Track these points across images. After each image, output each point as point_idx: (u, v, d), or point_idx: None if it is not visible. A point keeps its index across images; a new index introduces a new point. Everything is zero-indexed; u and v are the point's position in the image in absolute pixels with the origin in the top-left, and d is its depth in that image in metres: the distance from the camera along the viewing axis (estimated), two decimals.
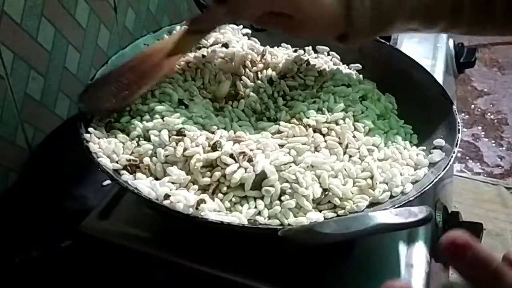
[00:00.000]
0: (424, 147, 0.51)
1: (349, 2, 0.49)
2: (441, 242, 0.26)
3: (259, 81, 0.57)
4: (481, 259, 0.26)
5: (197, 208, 0.42)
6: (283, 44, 0.65)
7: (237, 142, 0.47)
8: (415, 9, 0.50)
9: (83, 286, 0.52)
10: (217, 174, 0.45)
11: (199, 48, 0.61)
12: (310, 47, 0.64)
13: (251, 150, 0.46)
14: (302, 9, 0.49)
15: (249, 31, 0.66)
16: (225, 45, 0.60)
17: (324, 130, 0.51)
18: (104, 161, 0.45)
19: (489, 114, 1.80)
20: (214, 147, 0.46)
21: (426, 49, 0.83)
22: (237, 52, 0.59)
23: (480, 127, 1.73)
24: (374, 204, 0.45)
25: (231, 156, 0.45)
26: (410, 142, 0.53)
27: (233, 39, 0.62)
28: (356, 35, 0.51)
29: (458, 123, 0.50)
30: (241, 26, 0.65)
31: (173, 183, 0.45)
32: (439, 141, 0.50)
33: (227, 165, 0.45)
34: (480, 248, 0.26)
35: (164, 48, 0.53)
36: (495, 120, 1.77)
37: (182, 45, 0.53)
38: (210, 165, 0.46)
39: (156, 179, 0.45)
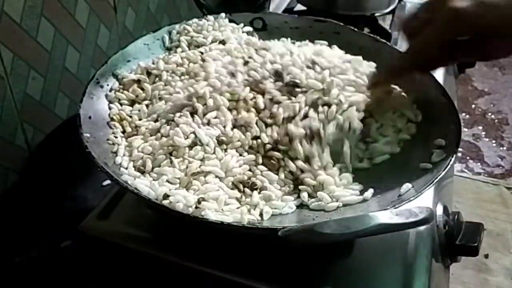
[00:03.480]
0: (425, 147, 0.51)
1: None
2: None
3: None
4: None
5: (197, 207, 0.42)
6: (282, 39, 0.65)
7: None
8: None
9: (83, 286, 0.51)
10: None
11: (198, 46, 0.61)
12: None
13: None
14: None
15: (250, 29, 0.65)
16: (223, 42, 0.60)
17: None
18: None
19: (489, 114, 1.79)
20: None
21: None
22: (235, 47, 0.59)
23: (480, 127, 1.73)
24: None
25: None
26: None
27: (231, 37, 0.62)
28: None
29: (459, 123, 0.50)
30: (241, 25, 0.65)
31: (171, 183, 0.45)
32: (440, 141, 0.50)
33: None
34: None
35: None
36: (496, 120, 1.77)
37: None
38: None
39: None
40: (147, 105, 0.54)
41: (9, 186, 0.60)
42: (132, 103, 0.55)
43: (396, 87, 0.55)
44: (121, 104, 0.54)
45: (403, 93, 0.54)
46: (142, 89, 0.55)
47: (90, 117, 0.50)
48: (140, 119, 0.52)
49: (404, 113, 0.54)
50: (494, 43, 0.44)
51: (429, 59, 0.47)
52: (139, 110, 0.53)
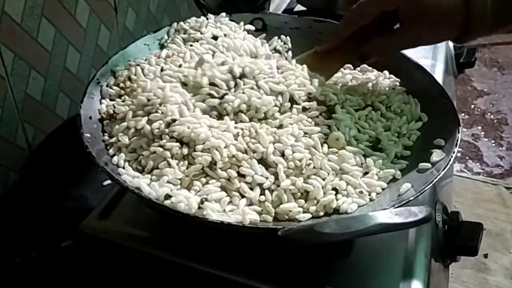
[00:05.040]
0: (425, 147, 0.51)
1: None
2: None
3: None
4: None
5: (199, 208, 0.42)
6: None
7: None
8: None
9: (83, 286, 0.52)
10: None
11: (194, 41, 0.61)
12: None
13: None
14: (424, 5, 0.48)
15: (251, 27, 0.66)
16: (215, 38, 0.61)
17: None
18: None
19: (489, 114, 1.80)
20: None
21: (426, 49, 0.83)
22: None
23: (480, 127, 1.73)
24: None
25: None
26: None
27: (230, 33, 0.62)
28: (475, 32, 0.49)
29: (458, 123, 0.51)
30: (242, 23, 0.65)
31: (172, 183, 0.45)
32: (439, 141, 0.50)
33: None
34: None
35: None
36: (495, 120, 1.77)
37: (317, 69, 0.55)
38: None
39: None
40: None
41: (9, 186, 0.60)
42: (122, 99, 0.54)
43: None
44: (111, 100, 0.53)
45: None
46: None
47: (90, 117, 0.50)
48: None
49: (409, 116, 0.54)
50: (418, 30, 0.51)
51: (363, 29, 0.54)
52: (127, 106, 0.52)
